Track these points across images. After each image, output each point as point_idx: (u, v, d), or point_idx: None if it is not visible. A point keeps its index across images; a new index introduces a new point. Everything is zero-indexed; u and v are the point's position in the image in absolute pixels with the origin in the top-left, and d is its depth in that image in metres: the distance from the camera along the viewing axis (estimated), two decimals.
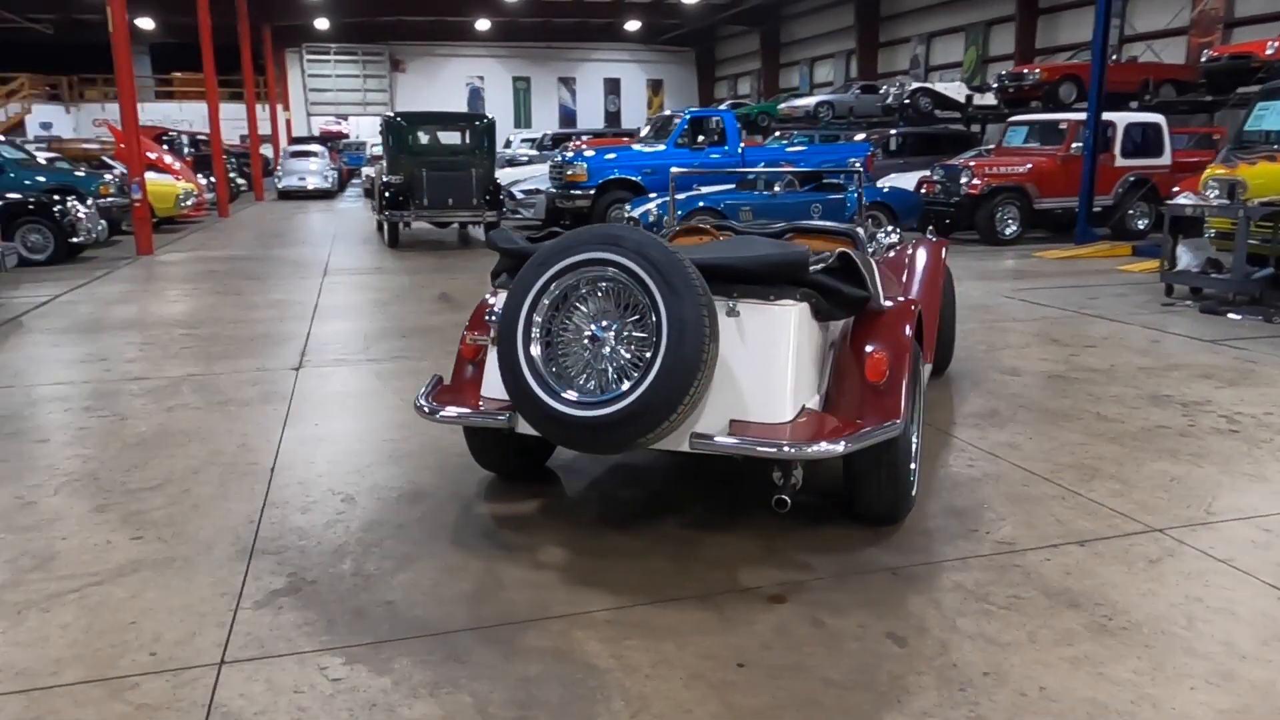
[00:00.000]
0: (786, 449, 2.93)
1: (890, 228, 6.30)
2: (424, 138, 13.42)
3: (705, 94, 39.00)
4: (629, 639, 2.80)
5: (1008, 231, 13.17)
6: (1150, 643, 2.75)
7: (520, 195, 15.76)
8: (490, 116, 14.08)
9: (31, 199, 11.65)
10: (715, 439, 3.02)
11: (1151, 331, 7.15)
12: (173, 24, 31.07)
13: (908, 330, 3.37)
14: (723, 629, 2.86)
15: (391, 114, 13.76)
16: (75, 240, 11.61)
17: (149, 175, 16.13)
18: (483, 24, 33.67)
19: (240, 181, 26.16)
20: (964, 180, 13.10)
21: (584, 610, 2.97)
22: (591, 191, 13.75)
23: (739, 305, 3.10)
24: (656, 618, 2.93)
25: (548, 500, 3.90)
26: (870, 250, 5.67)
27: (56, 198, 11.80)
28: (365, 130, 35.09)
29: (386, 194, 12.96)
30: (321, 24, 32.44)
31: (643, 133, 16.13)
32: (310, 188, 25.21)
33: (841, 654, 2.71)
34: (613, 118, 39.04)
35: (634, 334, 2.92)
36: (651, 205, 11.82)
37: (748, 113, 28.33)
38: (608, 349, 2.96)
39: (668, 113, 15.87)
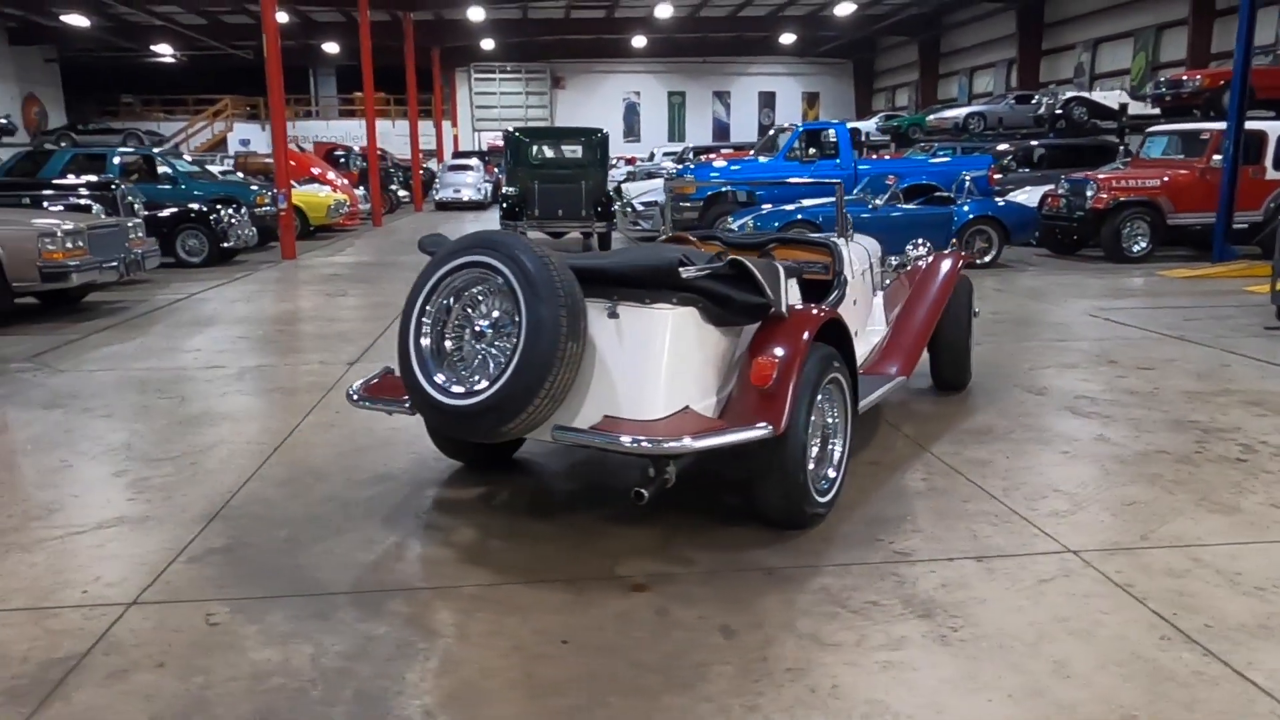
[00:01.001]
0: (632, 442, 3.09)
1: (922, 242, 6.20)
2: (540, 152, 14.06)
3: (862, 106, 38.35)
4: (481, 612, 3.03)
5: (1136, 249, 12.40)
6: (978, 656, 2.73)
7: (640, 207, 16.16)
8: (603, 131, 14.56)
9: (193, 208, 13.01)
10: (571, 430, 3.22)
11: (1227, 355, 6.67)
12: (355, 48, 33.57)
13: (805, 337, 3.43)
14: (570, 610, 3.04)
15: (511, 129, 14.49)
16: (226, 245, 12.90)
17: (308, 187, 17.64)
18: (639, 41, 34.51)
19: (403, 193, 27.99)
20: (1089, 194, 12.45)
21: (457, 585, 3.23)
22: (700, 203, 13.97)
23: (619, 308, 3.28)
24: (519, 596, 3.15)
25: (494, 488, 4.18)
26: (885, 265, 5.67)
27: (218, 207, 13.16)
28: None
29: (504, 205, 13.68)
30: (488, 44, 34.18)
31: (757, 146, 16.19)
32: (465, 199, 26.62)
33: (665, 640, 2.84)
34: (766, 131, 39.04)
35: (505, 331, 3.16)
36: (748, 218, 11.91)
37: (898, 125, 27.74)
38: (483, 344, 3.22)
39: (783, 126, 15.86)
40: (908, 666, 2.68)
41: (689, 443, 3.11)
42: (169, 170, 14.84)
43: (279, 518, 3.85)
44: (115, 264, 8.82)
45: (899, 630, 2.88)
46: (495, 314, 3.21)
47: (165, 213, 12.59)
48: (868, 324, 5.19)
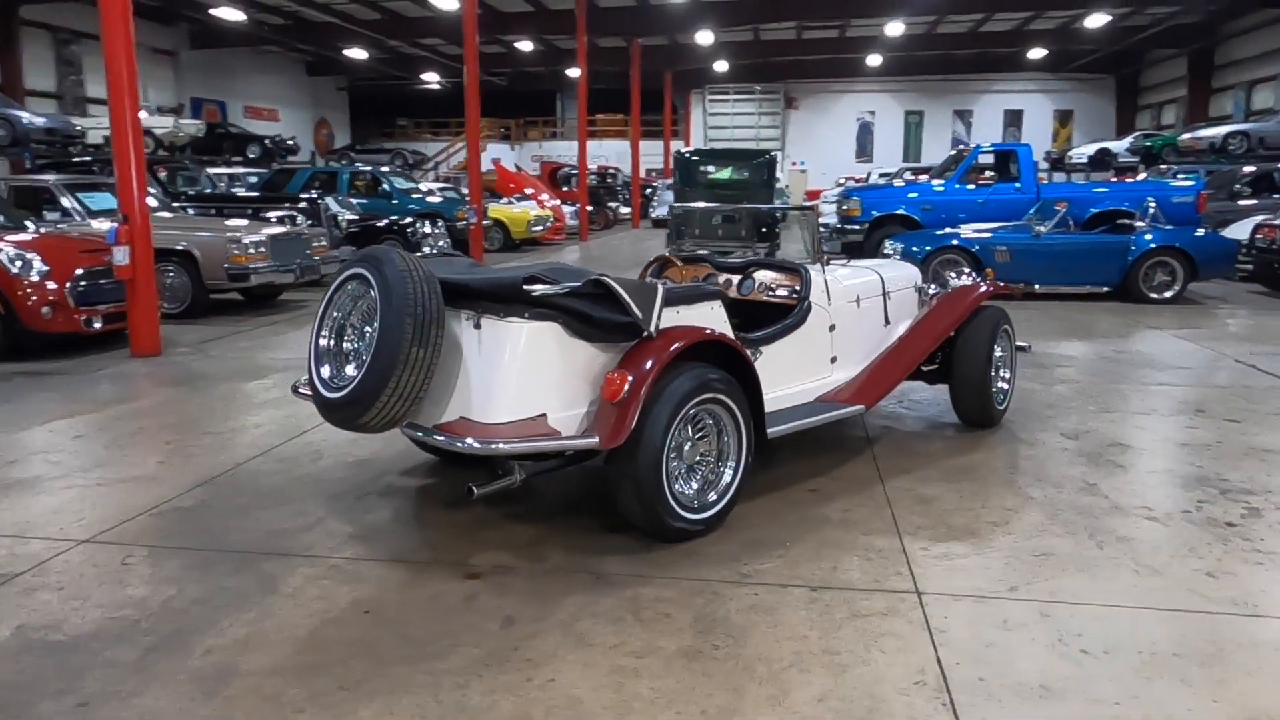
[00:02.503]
0: (450, 441, 3.39)
1: (967, 272, 5.95)
2: (707, 172, 14.39)
3: (1124, 124, 35.22)
4: (326, 579, 3.46)
5: None
6: (711, 674, 2.79)
7: (823, 230, 16.05)
8: (771, 153, 14.64)
9: (394, 221, 14.53)
10: (416, 428, 3.56)
11: None
12: (597, 72, 35.54)
13: (660, 357, 3.56)
14: (400, 587, 3.39)
15: (681, 151, 14.90)
16: (419, 255, 14.28)
17: (516, 204, 19.00)
18: (874, 60, 33.86)
19: (625, 210, 29.27)
20: None
21: (328, 555, 3.67)
22: (864, 226, 13.70)
23: (482, 320, 3.59)
24: (369, 570, 3.54)
25: (444, 480, 4.59)
26: (923, 293, 5.51)
27: (415, 220, 14.62)
28: None
29: (668, 224, 14.15)
30: (721, 66, 34.92)
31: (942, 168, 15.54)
32: None
33: (449, 621, 3.12)
34: None
35: (371, 335, 3.57)
36: (898, 243, 11.58)
37: (1150, 145, 25.42)
38: (358, 344, 3.65)
39: (962, 147, 15.13)
40: (634, 673, 2.80)
41: (500, 446, 3.36)
42: (387, 187, 16.61)
43: (250, 488, 4.48)
44: (293, 268, 10.16)
45: (662, 641, 2.98)
46: (366, 319, 3.63)
47: (369, 224, 14.16)
48: (863, 351, 5.09)
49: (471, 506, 4.21)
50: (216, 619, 3.14)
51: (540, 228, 19.22)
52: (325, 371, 3.70)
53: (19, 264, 7.37)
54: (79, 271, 7.67)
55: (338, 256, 11.57)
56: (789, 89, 37.81)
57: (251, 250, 9.65)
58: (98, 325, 7.75)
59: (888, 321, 5.36)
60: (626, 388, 3.50)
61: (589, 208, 24.88)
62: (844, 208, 14.11)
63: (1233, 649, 2.93)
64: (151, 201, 11.07)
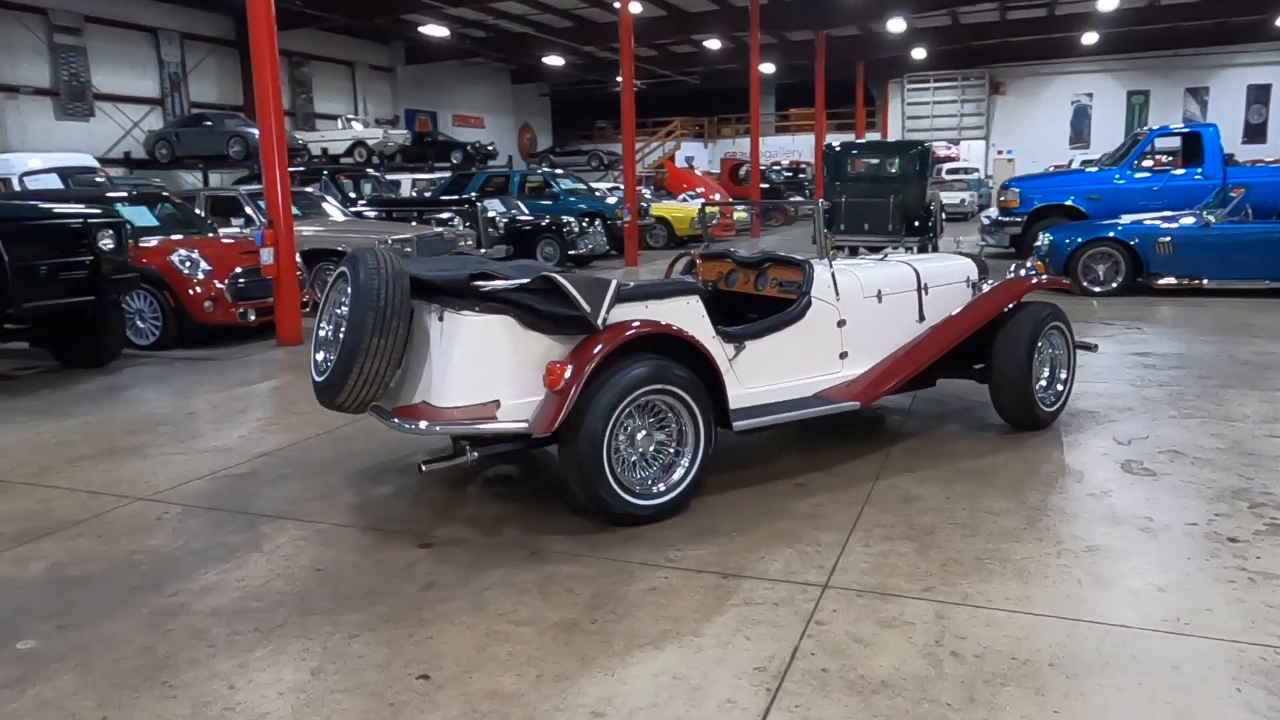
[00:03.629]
0: (398, 423, 3.73)
1: (1024, 264, 5.66)
2: (856, 165, 14.07)
3: None
4: (305, 540, 3.91)
5: None
6: (574, 644, 2.98)
7: (985, 222, 15.34)
8: (925, 144, 14.08)
9: (553, 220, 15.27)
10: (377, 409, 3.92)
11: None
12: (791, 66, 35.27)
13: (598, 349, 3.75)
14: (357, 550, 3.80)
15: (830, 144, 14.63)
16: (573, 252, 14.96)
17: (681, 201, 19.36)
18: (1089, 38, 31.45)
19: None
20: None
21: (320, 521, 4.14)
22: (1023, 218, 12.95)
23: (445, 313, 3.91)
24: (342, 536, 3.97)
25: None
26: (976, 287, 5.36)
27: (569, 219, 15.31)
28: (975, 155, 35.55)
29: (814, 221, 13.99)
30: (919, 54, 33.67)
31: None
32: None
33: (379, 580, 3.49)
34: (1256, 130, 33.17)
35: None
36: (1048, 236, 10.91)
37: None
38: (340, 333, 4.09)
39: (1139, 130, 13.88)
40: (504, 638, 3.04)
41: (435, 428, 3.69)
42: (554, 189, 17.44)
43: (297, 460, 5.07)
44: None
45: (550, 613, 3.20)
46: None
47: (528, 224, 14.98)
48: (886, 347, 5.00)
49: (468, 485, 4.58)
50: (199, 567, 3.67)
51: (709, 224, 19.43)
52: (319, 357, 4.17)
53: (188, 265, 8.52)
54: (237, 270, 8.76)
55: (488, 255, 12.39)
56: (994, 74, 35.87)
57: (396, 249, 10.53)
58: (252, 317, 8.82)
59: (922, 318, 5.23)
60: (566, 377, 3.73)
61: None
62: (1002, 199, 13.40)
63: (1121, 663, 2.78)
64: (329, 207, 12.33)
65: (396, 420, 3.80)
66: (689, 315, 4.27)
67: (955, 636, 2.97)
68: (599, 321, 3.85)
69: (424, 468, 3.84)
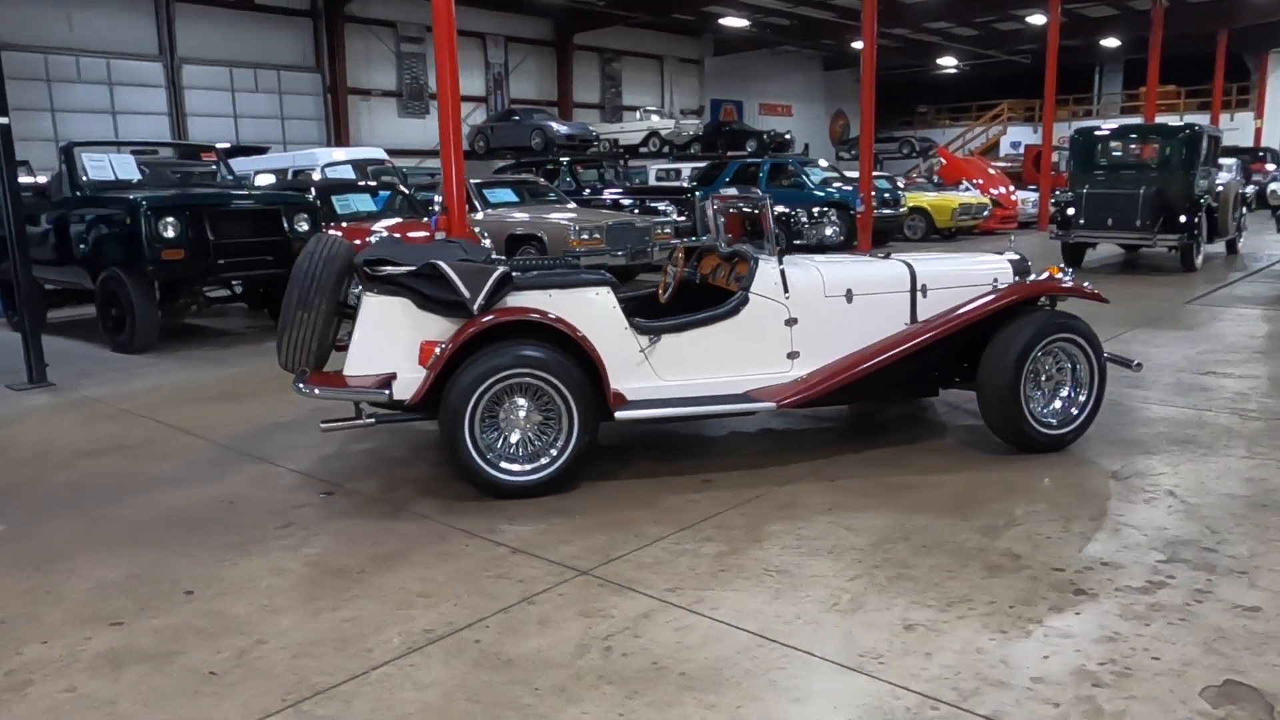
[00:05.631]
0: (301, 387, 4.28)
1: (1062, 267, 5.01)
2: (1110, 152, 12.47)
3: None
4: (263, 478, 4.66)
5: None
6: (321, 585, 3.41)
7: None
8: (1196, 127, 12.09)
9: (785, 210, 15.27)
10: (300, 375, 4.51)
11: None
12: (1140, 40, 31.55)
13: (463, 333, 4.07)
14: (274, 488, 4.47)
15: (1080, 130, 13.02)
16: (798, 242, 14.88)
17: (948, 193, 18.34)
18: None
19: None
20: None
21: (292, 470, 4.87)
22: None
23: (362, 293, 4.43)
24: (291, 479, 4.67)
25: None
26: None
27: (799, 209, 15.24)
28: None
29: (1057, 213, 12.68)
30: None
31: None
32: None
33: (262, 515, 4.12)
34: None
35: None
36: None
37: None
38: None
39: None
40: (283, 573, 3.53)
41: (319, 391, 4.22)
42: (802, 179, 17.34)
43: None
44: (622, 253, 11.62)
45: (341, 560, 3.64)
46: None
47: None
48: (843, 348, 4.76)
49: (429, 451, 5.09)
50: (173, 489, 4.54)
51: (971, 217, 18.23)
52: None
53: None
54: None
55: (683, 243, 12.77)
56: None
57: (586, 236, 11.30)
58: None
59: (916, 322, 4.90)
60: (435, 355, 4.12)
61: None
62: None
63: (752, 685, 2.67)
64: (555, 196, 13.41)
65: (300, 386, 4.42)
66: (596, 306, 4.45)
67: (631, 635, 2.99)
68: (475, 307, 4.17)
69: (323, 426, 4.42)
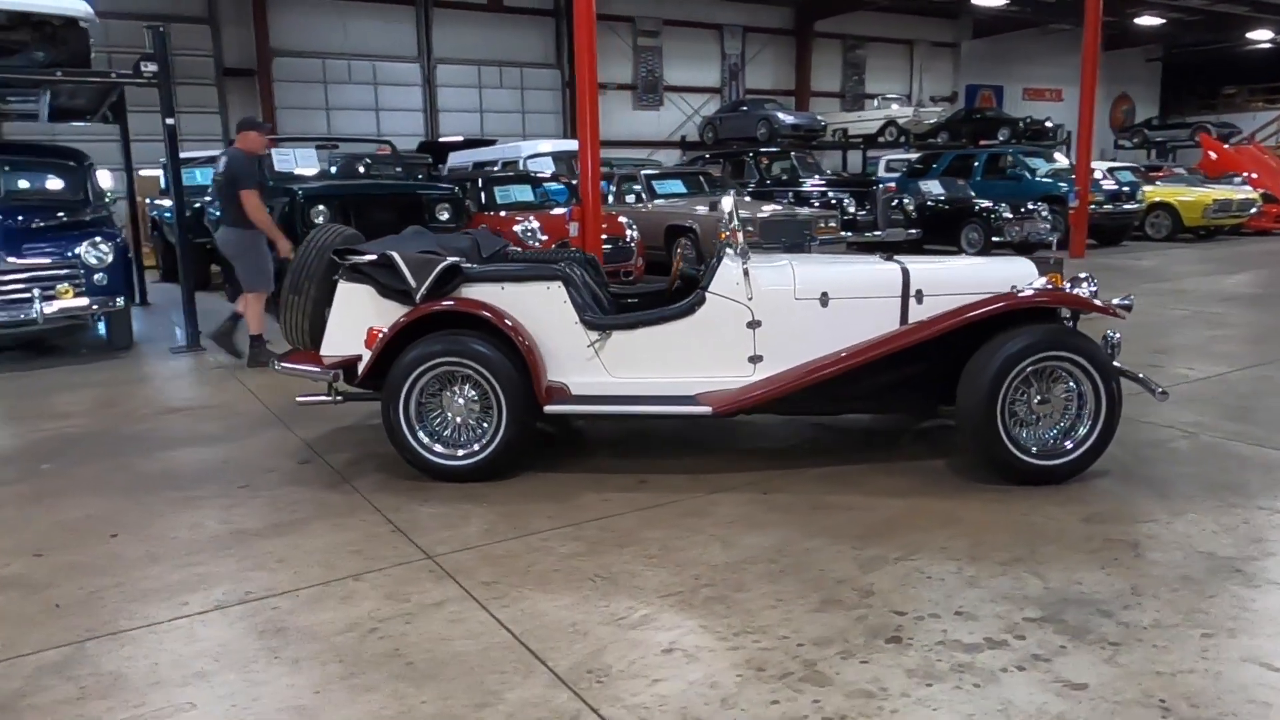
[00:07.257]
0: (273, 363, 4.67)
1: (1085, 277, 4.36)
2: None
3: None
4: (281, 441, 5.18)
5: None
6: (208, 553, 3.77)
7: None
8: None
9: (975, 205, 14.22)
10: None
11: None
12: None
13: (400, 320, 4.28)
14: (266, 452, 4.94)
15: None
16: (997, 239, 13.80)
17: (1207, 188, 16.23)
18: None
19: None
20: None
21: (290, 427, 5.36)
22: None
23: (340, 282, 4.76)
24: (293, 443, 5.14)
25: None
26: None
27: (996, 206, 14.11)
28: None
29: None
30: None
31: None
32: None
33: (235, 470, 4.60)
34: None
35: None
36: None
37: None
38: None
39: None
40: (196, 527, 3.95)
41: (284, 366, 4.60)
42: (1019, 170, 15.99)
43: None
44: (777, 245, 11.38)
45: (248, 523, 4.00)
46: None
47: (948, 209, 14.20)
48: (815, 354, 4.46)
49: None
50: (195, 447, 5.17)
51: (1229, 214, 15.88)
52: None
53: (527, 233, 10.36)
54: (565, 239, 10.36)
55: (847, 238, 12.33)
56: None
57: (735, 227, 11.18)
58: None
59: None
60: (374, 342, 4.38)
61: None
62: None
63: (461, 685, 2.68)
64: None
65: (277, 363, 4.84)
66: (547, 301, 4.51)
67: (404, 621, 3.06)
68: (418, 297, 4.38)
69: (299, 400, 4.82)
